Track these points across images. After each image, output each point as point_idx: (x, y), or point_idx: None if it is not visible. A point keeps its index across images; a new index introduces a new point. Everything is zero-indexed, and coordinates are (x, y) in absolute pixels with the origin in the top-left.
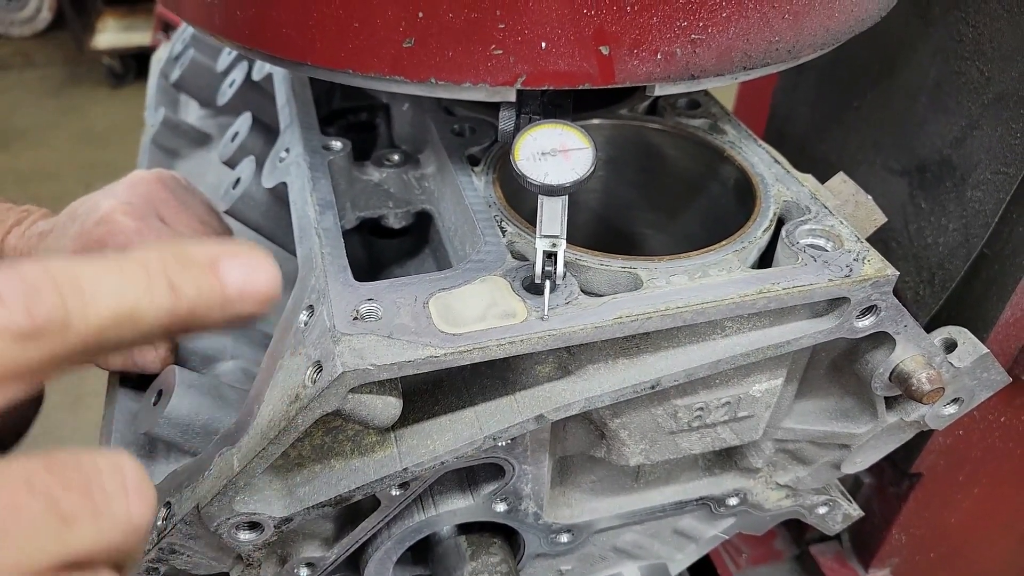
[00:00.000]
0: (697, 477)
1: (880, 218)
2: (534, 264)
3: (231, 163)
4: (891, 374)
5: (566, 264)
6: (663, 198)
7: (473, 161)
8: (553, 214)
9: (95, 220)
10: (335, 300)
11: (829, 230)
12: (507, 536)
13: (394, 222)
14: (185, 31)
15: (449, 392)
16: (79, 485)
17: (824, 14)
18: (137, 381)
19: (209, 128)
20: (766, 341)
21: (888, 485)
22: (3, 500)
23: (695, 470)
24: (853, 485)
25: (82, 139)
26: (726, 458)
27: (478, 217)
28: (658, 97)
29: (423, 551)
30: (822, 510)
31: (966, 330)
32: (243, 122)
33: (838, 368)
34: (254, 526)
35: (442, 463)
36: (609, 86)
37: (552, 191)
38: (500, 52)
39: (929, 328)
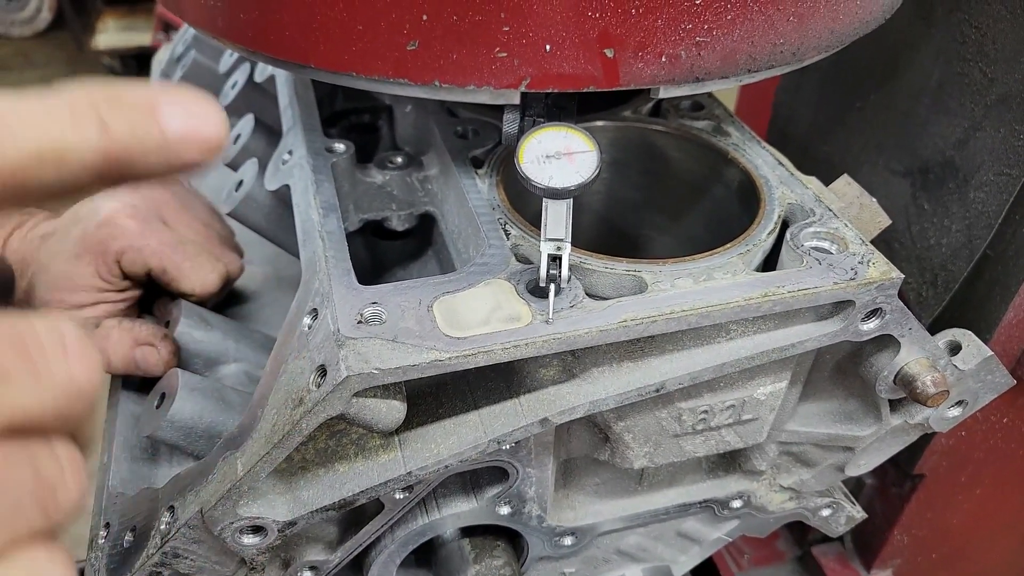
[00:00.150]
0: (701, 480)
1: (884, 220)
2: (538, 267)
3: (233, 165)
4: (895, 377)
5: (570, 267)
6: (667, 200)
7: (477, 163)
8: (558, 217)
9: (97, 223)
10: (339, 304)
11: (834, 233)
12: (511, 539)
13: (397, 224)
14: (186, 32)
15: (453, 395)
16: (13, 342)
17: (829, 16)
18: (139, 384)
19: None
20: (771, 344)
21: (890, 486)
22: None
23: (699, 473)
24: (855, 486)
25: None
26: (730, 461)
27: (482, 220)
28: (662, 99)
29: (426, 554)
30: (825, 512)
31: (970, 332)
32: (245, 124)
33: (842, 371)
34: (258, 530)
35: (446, 467)
36: (614, 89)
37: (557, 194)
38: (504, 55)
39: (932, 329)
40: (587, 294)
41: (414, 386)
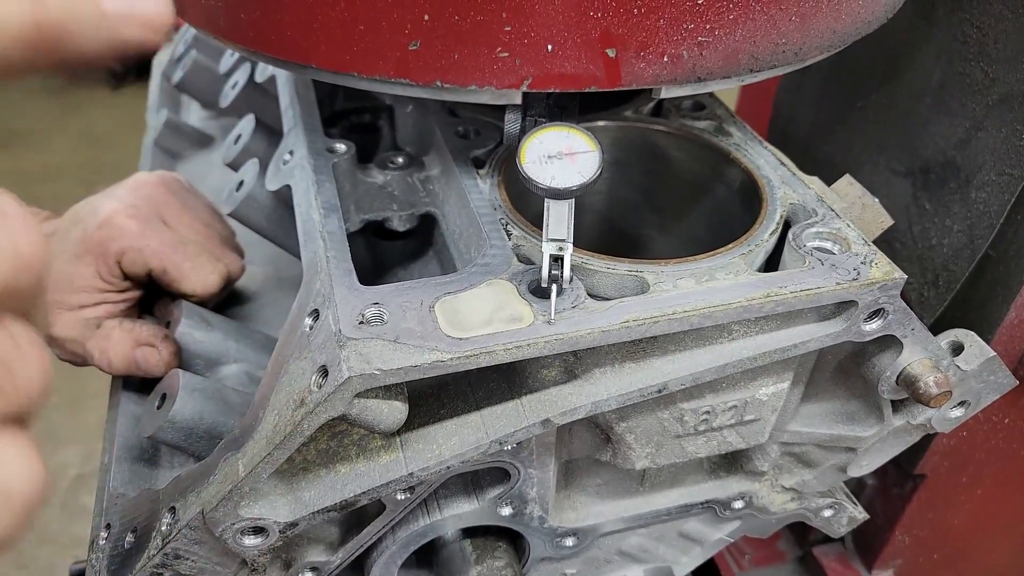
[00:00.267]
0: (703, 480)
1: (887, 221)
2: (540, 268)
3: (234, 165)
4: (898, 377)
5: (572, 267)
6: (668, 200)
7: (478, 163)
8: (560, 217)
9: (97, 223)
10: (340, 304)
11: (836, 233)
12: (512, 540)
13: (398, 224)
14: (187, 32)
15: (455, 396)
16: None
17: (831, 16)
18: (140, 384)
19: (211, 130)
20: (773, 345)
21: (892, 486)
22: None
23: (701, 473)
24: (856, 486)
25: (82, 140)
26: (732, 461)
27: (483, 220)
28: (663, 99)
29: (428, 555)
30: (827, 513)
31: (973, 333)
32: (246, 124)
33: (844, 371)
34: (259, 531)
35: (448, 467)
36: (615, 89)
37: (559, 194)
38: (506, 55)
39: (933, 330)
40: (589, 294)
41: (415, 386)
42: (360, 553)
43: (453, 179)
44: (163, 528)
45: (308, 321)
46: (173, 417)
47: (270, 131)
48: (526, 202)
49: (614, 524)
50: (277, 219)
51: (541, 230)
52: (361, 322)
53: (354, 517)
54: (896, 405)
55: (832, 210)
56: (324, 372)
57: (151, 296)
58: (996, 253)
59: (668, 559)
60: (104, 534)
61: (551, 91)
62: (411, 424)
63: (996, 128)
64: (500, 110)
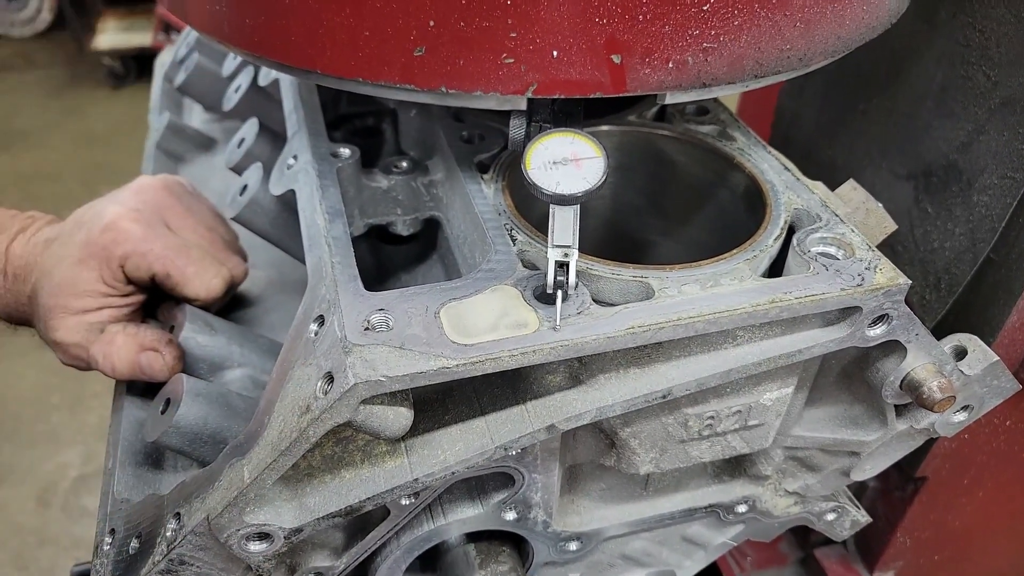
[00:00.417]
0: (706, 484)
1: (891, 226)
2: (545, 274)
3: (238, 169)
4: (902, 382)
5: (577, 273)
6: (672, 205)
7: (482, 168)
8: (565, 223)
9: (101, 227)
10: (346, 310)
11: (840, 238)
12: (516, 544)
13: (402, 229)
14: (189, 35)
15: (459, 401)
16: None
17: (835, 22)
18: (144, 389)
19: (214, 132)
20: (777, 350)
21: (893, 489)
22: None
23: (704, 477)
24: (858, 489)
25: (83, 140)
26: (735, 465)
27: (488, 225)
28: (667, 104)
29: (432, 559)
30: (830, 517)
31: (976, 337)
32: (250, 128)
33: (848, 376)
34: (264, 537)
35: (453, 473)
36: (620, 95)
37: (564, 200)
38: (511, 61)
39: (935, 333)
40: (594, 300)
41: (420, 392)
42: (364, 558)
43: (457, 184)
44: (168, 534)
45: (313, 327)
46: (177, 422)
47: (273, 135)
48: (530, 205)
49: (618, 528)
50: (281, 223)
51: (546, 235)
52: (367, 328)
53: (358, 522)
54: (899, 409)
55: (836, 215)
56: (330, 378)
57: (155, 300)
58: (998, 256)
59: (671, 563)
60: (109, 539)
61: (556, 97)
62: (416, 430)
63: (998, 132)
64: (505, 115)
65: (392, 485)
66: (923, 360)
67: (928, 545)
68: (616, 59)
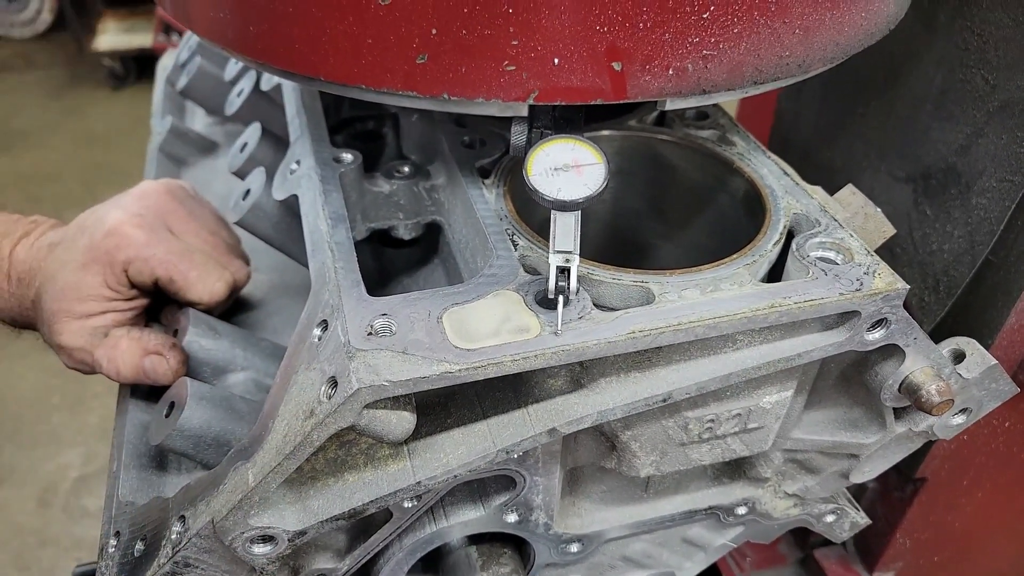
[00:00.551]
0: (706, 487)
1: (889, 230)
2: (547, 279)
3: (240, 174)
4: (900, 386)
5: (578, 278)
6: (673, 209)
7: (484, 173)
8: (566, 229)
9: (104, 232)
10: (349, 315)
11: (839, 243)
12: (517, 546)
13: (404, 233)
14: (191, 38)
15: (462, 405)
16: None
17: (834, 29)
18: (148, 392)
19: (216, 136)
20: (777, 354)
21: (892, 489)
22: None
23: (704, 480)
24: (857, 490)
25: (83, 141)
26: (735, 468)
27: (490, 230)
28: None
29: (434, 561)
30: (830, 518)
31: (974, 341)
32: (252, 132)
33: (847, 379)
34: (268, 540)
35: (455, 476)
36: (621, 102)
37: (565, 206)
38: (513, 68)
39: (934, 335)
40: (595, 305)
41: (423, 396)
42: (367, 560)
43: (459, 188)
44: (173, 536)
45: (317, 332)
46: (182, 425)
47: (276, 139)
48: (531, 210)
49: (618, 530)
50: (284, 228)
51: (547, 240)
52: (370, 333)
53: (361, 524)
54: (898, 412)
55: (835, 220)
56: (333, 383)
57: (158, 304)
58: (996, 259)
59: (672, 564)
60: (113, 542)
61: (557, 104)
62: (418, 433)
63: (997, 134)
64: (506, 121)
65: (395, 488)
66: (921, 363)
67: (927, 546)
68: (617, 66)
